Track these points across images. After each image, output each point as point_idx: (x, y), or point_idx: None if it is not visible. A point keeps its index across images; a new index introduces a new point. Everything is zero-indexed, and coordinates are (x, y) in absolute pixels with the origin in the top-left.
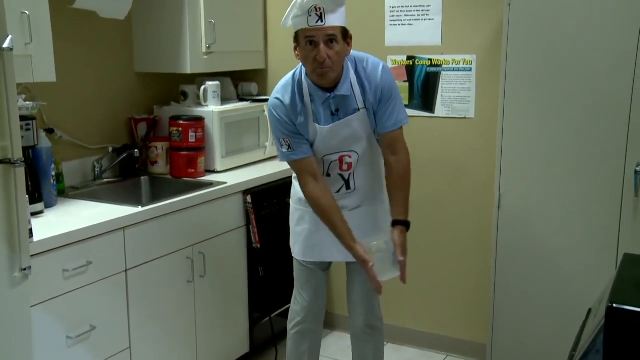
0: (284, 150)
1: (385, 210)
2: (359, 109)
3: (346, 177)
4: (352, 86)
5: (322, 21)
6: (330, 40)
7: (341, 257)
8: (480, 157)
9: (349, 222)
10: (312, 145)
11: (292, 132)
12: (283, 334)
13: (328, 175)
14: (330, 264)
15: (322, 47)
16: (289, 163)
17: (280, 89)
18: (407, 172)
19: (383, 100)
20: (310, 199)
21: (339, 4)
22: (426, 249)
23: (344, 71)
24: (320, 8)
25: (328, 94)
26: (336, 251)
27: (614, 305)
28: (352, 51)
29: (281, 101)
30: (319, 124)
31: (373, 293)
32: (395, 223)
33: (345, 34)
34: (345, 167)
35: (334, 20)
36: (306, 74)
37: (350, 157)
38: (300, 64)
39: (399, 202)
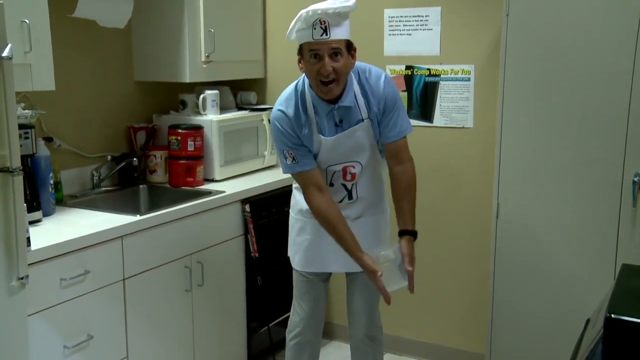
0: (288, 162)
1: (385, 219)
2: (363, 120)
3: (349, 187)
4: (355, 97)
5: (326, 34)
6: (334, 53)
7: (341, 267)
8: (478, 166)
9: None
10: (316, 156)
11: (296, 144)
12: (281, 343)
13: (331, 184)
14: (330, 274)
15: (326, 60)
16: (293, 175)
17: (283, 101)
18: (412, 181)
19: (387, 111)
20: (316, 211)
21: (344, 17)
22: (425, 259)
23: (347, 82)
24: (324, 21)
25: (332, 106)
26: (337, 262)
27: (613, 315)
28: (356, 63)
29: (285, 113)
30: (323, 135)
31: (373, 303)
32: (402, 233)
33: (349, 46)
34: (349, 177)
35: (339, 33)
36: (309, 85)
37: (354, 167)
38: (303, 74)
39: (406, 212)
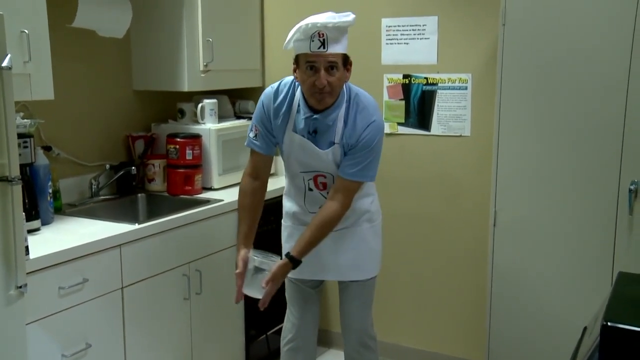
0: (251, 135)
1: (374, 229)
2: (334, 143)
3: (325, 196)
4: (337, 118)
5: (324, 47)
6: (331, 66)
7: (331, 276)
8: (476, 175)
9: (336, 241)
10: (288, 156)
11: (265, 126)
12: (279, 351)
13: (310, 189)
14: (321, 282)
15: (322, 73)
16: (250, 150)
17: (280, 84)
18: (330, 221)
19: (355, 150)
20: (240, 188)
21: (342, 32)
22: (422, 266)
23: (338, 99)
24: (323, 34)
25: (311, 114)
26: (326, 270)
27: (609, 323)
28: (361, 91)
29: (274, 94)
30: (296, 132)
31: (366, 312)
32: (287, 254)
33: (345, 60)
34: (320, 186)
35: (336, 47)
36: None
37: (324, 177)
38: None
39: (303, 240)
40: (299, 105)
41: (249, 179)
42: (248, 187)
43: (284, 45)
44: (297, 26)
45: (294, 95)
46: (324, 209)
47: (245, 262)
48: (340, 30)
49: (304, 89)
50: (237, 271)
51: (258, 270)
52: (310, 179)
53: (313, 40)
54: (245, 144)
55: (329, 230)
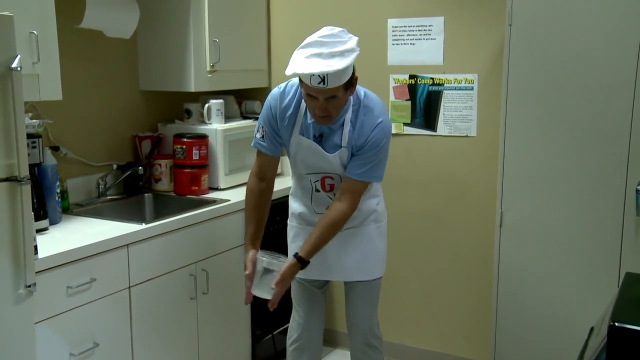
0: (258, 136)
1: (380, 230)
2: (341, 147)
3: (332, 198)
4: (343, 123)
5: (324, 84)
6: (331, 96)
7: (338, 276)
8: (482, 175)
9: (342, 242)
10: (294, 158)
11: (272, 127)
12: (285, 351)
13: (317, 191)
14: (327, 282)
15: (321, 102)
16: (256, 151)
17: (287, 85)
18: (337, 222)
19: (363, 151)
20: (247, 189)
21: (345, 71)
22: (428, 266)
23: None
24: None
25: None
26: (332, 270)
27: (616, 324)
28: (369, 92)
29: (280, 95)
30: (303, 135)
31: (372, 312)
32: (295, 255)
33: (348, 83)
34: (327, 187)
35: (337, 82)
36: None
37: (332, 178)
38: None
39: (310, 241)
40: (305, 109)
41: (255, 180)
42: (255, 188)
43: (286, 70)
44: (296, 66)
45: (301, 98)
46: (332, 209)
47: (254, 264)
48: (342, 70)
49: (306, 105)
50: (247, 272)
51: (267, 271)
52: (317, 181)
53: (313, 75)
54: (252, 144)
55: (337, 231)
